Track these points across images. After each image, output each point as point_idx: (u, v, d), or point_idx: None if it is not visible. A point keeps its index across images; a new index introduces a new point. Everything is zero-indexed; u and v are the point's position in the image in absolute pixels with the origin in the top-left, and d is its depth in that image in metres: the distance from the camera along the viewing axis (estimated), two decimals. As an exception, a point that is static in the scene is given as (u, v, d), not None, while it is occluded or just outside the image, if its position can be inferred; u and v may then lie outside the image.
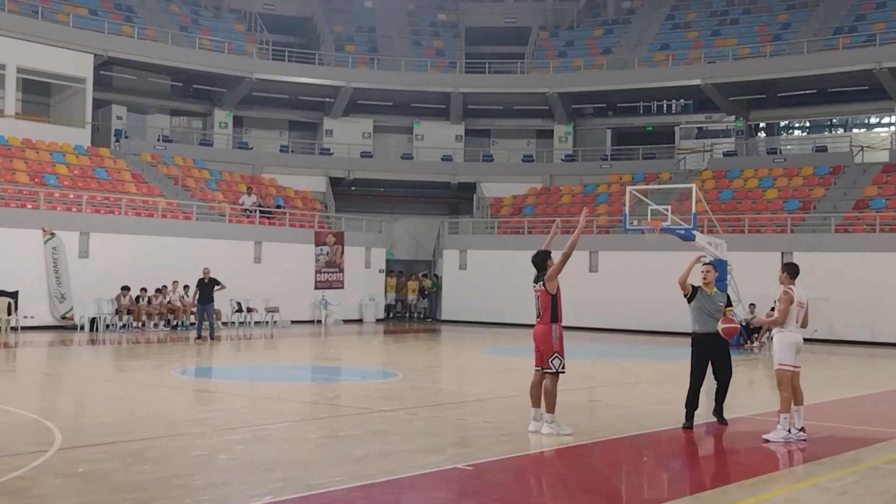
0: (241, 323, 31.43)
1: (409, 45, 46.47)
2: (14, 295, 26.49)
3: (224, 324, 30.44)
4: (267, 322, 32.01)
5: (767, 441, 10.94)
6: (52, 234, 27.68)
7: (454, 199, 43.66)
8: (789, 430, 11.01)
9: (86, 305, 28.05)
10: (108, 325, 27.97)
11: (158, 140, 39.48)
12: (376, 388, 16.33)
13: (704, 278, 11.93)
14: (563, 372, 10.94)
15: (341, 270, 35.15)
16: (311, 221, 36.23)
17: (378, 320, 36.57)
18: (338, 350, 24.84)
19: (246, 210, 34.80)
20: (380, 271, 37.62)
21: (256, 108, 42.79)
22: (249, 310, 31.73)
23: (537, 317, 10.97)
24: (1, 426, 11.29)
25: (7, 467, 8.60)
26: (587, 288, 31.95)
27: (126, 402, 13.75)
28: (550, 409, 10.92)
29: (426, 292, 39.04)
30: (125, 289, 28.33)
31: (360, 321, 35.78)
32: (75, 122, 35.24)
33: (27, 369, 19.17)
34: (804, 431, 11.09)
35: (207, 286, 25.52)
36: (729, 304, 12.31)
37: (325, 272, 34.65)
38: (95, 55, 35.89)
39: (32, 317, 27.22)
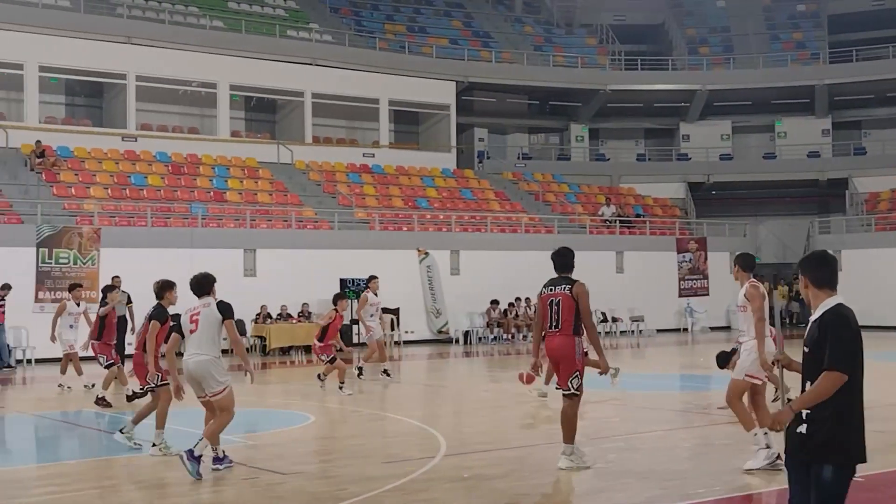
0: (606, 333, 31.64)
1: (767, 40, 44.71)
2: (396, 312, 28.45)
3: (590, 334, 30.77)
4: (632, 331, 32.00)
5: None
6: (426, 254, 29.43)
7: (823, 197, 41.35)
8: None
9: (459, 319, 29.53)
10: (480, 338, 29.27)
11: (518, 158, 40.84)
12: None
13: None
14: (580, 393, 9.33)
15: (705, 277, 34.36)
16: (672, 229, 35.81)
17: (747, 327, 35.29)
18: (706, 358, 24.27)
19: (606, 221, 35.05)
20: (745, 276, 36.28)
21: (611, 119, 43.02)
22: (614, 319, 31.91)
23: (554, 327, 9.36)
24: (393, 434, 12.16)
25: (401, 472, 9.24)
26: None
27: (501, 412, 14.28)
28: (569, 438, 9.32)
29: (799, 296, 37.21)
30: (494, 302, 29.49)
31: (728, 328, 34.75)
32: (441, 147, 37.29)
33: (410, 381, 20.50)
34: None
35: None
36: None
37: (688, 279, 34.05)
38: (457, 82, 37.81)
39: (412, 332, 29.07)
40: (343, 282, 26.05)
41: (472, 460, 9.92)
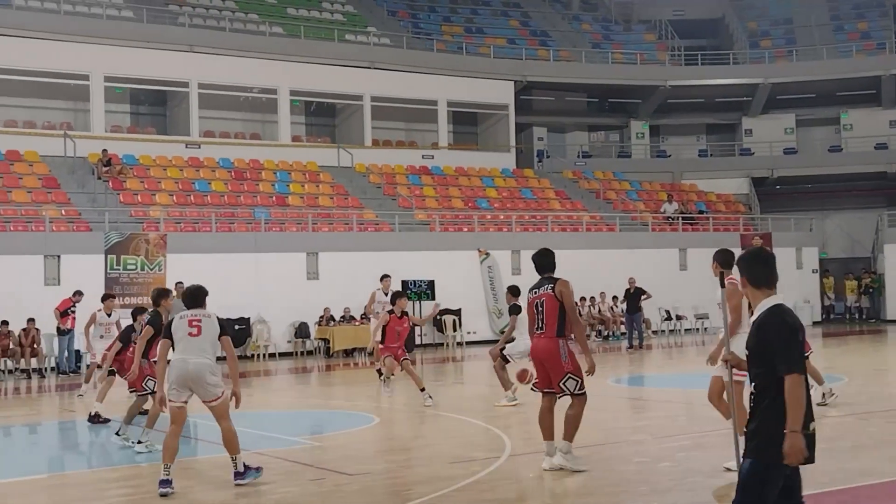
0: (671, 331, 31.36)
1: (830, 31, 43.98)
2: (457, 312, 28.49)
3: (654, 332, 30.57)
4: (697, 329, 31.66)
5: None
6: (487, 254, 29.43)
7: (892, 190, 40.51)
8: None
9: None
10: (542, 338, 29.14)
11: (578, 156, 40.65)
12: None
13: None
14: (583, 392, 9.23)
15: (771, 273, 33.86)
16: (736, 224, 35.34)
17: (814, 323, 34.76)
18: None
19: (668, 218, 34.73)
20: (813, 272, 35.76)
21: (672, 115, 42.62)
22: (678, 317, 31.59)
23: (538, 329, 9.26)
24: (458, 434, 12.18)
25: (467, 472, 9.26)
26: None
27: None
28: (569, 436, 9.17)
29: (869, 290, 36.53)
30: (557, 302, 29.37)
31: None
32: (500, 147, 37.26)
33: (474, 381, 20.51)
34: None
35: (633, 296, 25.93)
36: None
37: (753, 276, 33.56)
38: (516, 82, 37.76)
39: (474, 332, 29.10)
40: (405, 283, 26.14)
41: (537, 460, 9.89)
